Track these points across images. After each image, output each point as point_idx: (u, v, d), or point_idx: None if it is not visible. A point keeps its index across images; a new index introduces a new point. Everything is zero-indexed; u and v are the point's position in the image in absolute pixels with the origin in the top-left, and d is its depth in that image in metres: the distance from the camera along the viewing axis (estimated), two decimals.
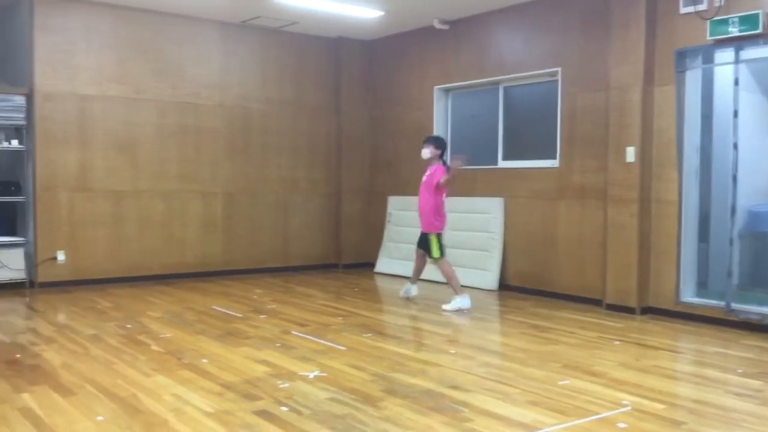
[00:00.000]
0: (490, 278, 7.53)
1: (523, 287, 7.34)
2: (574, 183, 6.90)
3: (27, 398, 3.73)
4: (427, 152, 6.55)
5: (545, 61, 7.18)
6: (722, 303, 5.78)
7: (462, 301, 6.40)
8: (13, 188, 7.39)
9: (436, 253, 6.49)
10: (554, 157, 7.14)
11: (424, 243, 6.61)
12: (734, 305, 5.70)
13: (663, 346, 5.10)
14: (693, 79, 6.04)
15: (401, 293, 6.97)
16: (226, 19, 8.25)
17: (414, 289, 6.99)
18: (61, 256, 7.41)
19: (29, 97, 7.28)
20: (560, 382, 4.07)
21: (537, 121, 7.57)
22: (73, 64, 7.44)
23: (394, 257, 8.76)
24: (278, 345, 4.96)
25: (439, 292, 7.43)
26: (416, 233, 8.71)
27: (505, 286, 7.49)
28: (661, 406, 3.67)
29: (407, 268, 8.45)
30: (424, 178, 6.58)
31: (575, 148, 6.91)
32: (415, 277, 7.02)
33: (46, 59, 7.28)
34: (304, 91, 9.04)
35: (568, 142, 6.97)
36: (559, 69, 7.04)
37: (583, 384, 4.05)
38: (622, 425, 3.38)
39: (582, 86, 6.84)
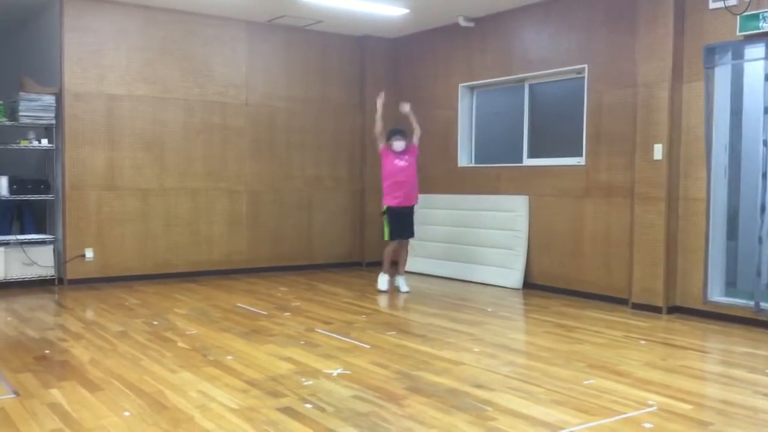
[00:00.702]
0: (514, 277, 7.49)
1: (548, 286, 7.29)
2: (600, 181, 6.84)
3: (55, 393, 3.79)
4: (401, 145, 7.07)
5: (571, 58, 7.12)
6: (751, 302, 5.68)
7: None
8: (42, 187, 7.52)
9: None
10: (580, 155, 7.08)
11: (411, 222, 7.24)
12: (763, 304, 5.60)
13: (690, 345, 5.04)
14: (722, 75, 5.94)
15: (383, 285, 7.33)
16: (252, 18, 8.30)
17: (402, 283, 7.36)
18: (89, 254, 7.52)
19: (59, 97, 7.39)
20: (585, 382, 4.04)
21: (563, 118, 7.51)
22: (102, 64, 7.54)
23: (419, 255, 8.74)
24: (302, 343, 4.98)
25: (461, 290, 7.42)
26: (443, 232, 8.75)
27: (529, 285, 7.45)
28: (688, 407, 3.63)
29: (431, 266, 8.46)
30: (403, 163, 7.10)
31: (602, 145, 6.84)
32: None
33: (75, 59, 7.39)
34: (329, 89, 9.07)
35: (595, 139, 6.91)
36: (585, 66, 6.97)
37: (608, 384, 4.01)
38: (648, 425, 3.34)
39: (609, 83, 6.77)
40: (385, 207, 7.13)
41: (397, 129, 7.12)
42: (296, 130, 8.82)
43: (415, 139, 7.19)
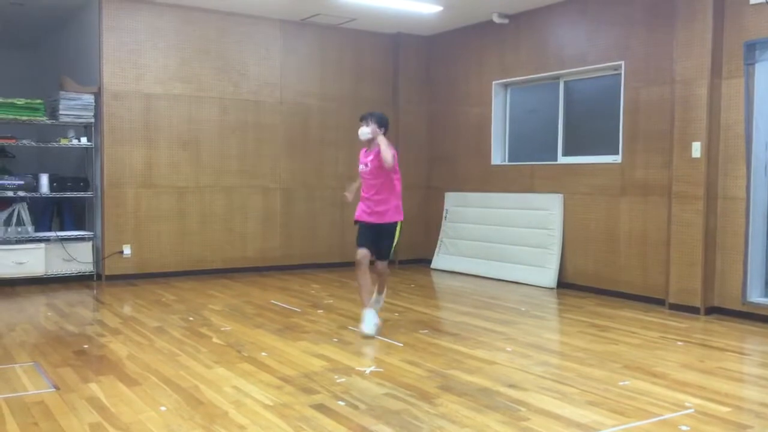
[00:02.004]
0: (548, 276, 7.43)
1: (583, 285, 7.21)
2: (636, 179, 6.74)
3: (94, 388, 3.87)
4: (367, 131, 5.16)
5: (608, 54, 7.02)
6: None
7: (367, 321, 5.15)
8: (81, 184, 7.67)
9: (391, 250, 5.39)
10: (616, 153, 6.98)
11: (387, 238, 5.26)
12: None
13: (728, 347, 4.94)
14: (763, 71, 5.80)
15: (370, 329, 5.14)
16: (286, 17, 8.35)
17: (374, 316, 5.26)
18: (127, 250, 7.65)
19: (98, 96, 7.54)
20: (620, 383, 3.99)
21: (598, 115, 7.41)
22: (140, 64, 7.66)
23: (451, 254, 8.73)
24: (335, 340, 5.01)
25: (494, 289, 7.37)
26: (476, 230, 8.71)
27: (564, 284, 7.37)
28: (725, 409, 3.56)
29: (464, 264, 8.43)
30: (363, 167, 5.26)
31: (638, 143, 6.74)
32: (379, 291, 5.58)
33: (114, 59, 7.52)
34: (362, 87, 9.08)
35: (631, 137, 6.81)
36: (622, 62, 6.87)
37: (644, 385, 3.96)
38: (684, 428, 3.29)
39: (646, 80, 6.66)
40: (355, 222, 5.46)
41: (366, 114, 5.33)
42: (330, 128, 8.86)
43: (384, 153, 5.02)
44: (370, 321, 5.14)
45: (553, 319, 6.13)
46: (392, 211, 5.25)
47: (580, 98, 7.66)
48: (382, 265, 5.42)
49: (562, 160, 7.65)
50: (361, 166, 5.29)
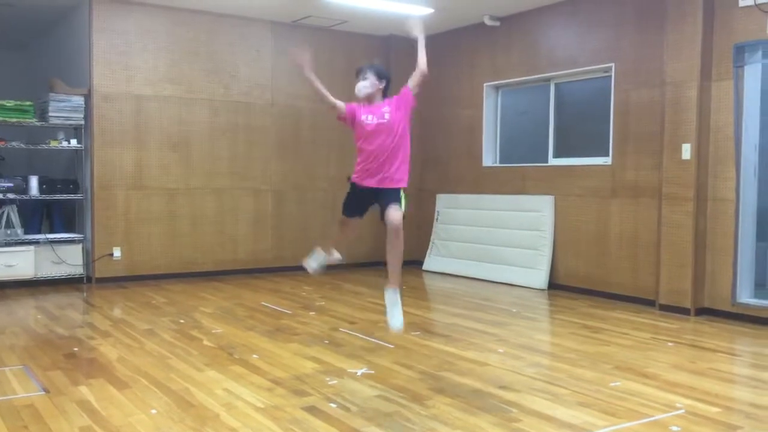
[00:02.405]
0: (540, 277, 7.45)
1: (574, 287, 7.23)
2: (627, 181, 6.77)
3: (84, 391, 3.84)
4: (366, 85, 4.40)
5: (598, 56, 7.05)
6: None
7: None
8: (71, 186, 7.63)
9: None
10: (607, 155, 7.01)
11: (391, 199, 4.25)
12: None
13: (719, 348, 4.96)
14: (752, 74, 5.84)
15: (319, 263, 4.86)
16: (278, 19, 8.34)
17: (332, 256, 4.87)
18: (117, 253, 7.62)
19: (87, 98, 7.50)
20: (612, 384, 4.00)
21: (589, 117, 7.44)
22: (130, 66, 7.63)
23: (443, 255, 8.74)
24: (327, 342, 5.00)
25: (485, 290, 7.38)
26: (467, 232, 8.72)
27: (555, 286, 7.39)
28: (716, 410, 3.58)
29: (455, 266, 8.44)
30: (373, 120, 4.34)
31: (629, 145, 6.77)
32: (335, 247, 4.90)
33: (104, 61, 7.49)
34: (354, 89, 9.04)
35: (622, 139, 6.84)
36: (612, 65, 6.90)
37: (635, 386, 3.97)
38: (675, 429, 3.30)
39: (636, 82, 6.69)
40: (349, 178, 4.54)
41: (362, 66, 4.52)
42: (321, 130, 8.85)
43: (413, 80, 4.49)
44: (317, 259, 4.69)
45: (545, 321, 6.14)
46: (401, 175, 4.37)
47: (570, 100, 7.68)
48: (396, 214, 4.16)
49: (553, 161, 7.68)
50: (371, 122, 4.28)
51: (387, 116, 4.30)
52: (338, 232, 4.81)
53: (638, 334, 5.35)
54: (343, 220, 4.62)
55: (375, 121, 4.31)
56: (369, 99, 4.41)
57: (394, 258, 4.20)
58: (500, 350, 4.79)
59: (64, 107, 7.40)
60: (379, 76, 4.45)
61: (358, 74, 4.48)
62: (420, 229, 9.26)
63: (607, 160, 7.00)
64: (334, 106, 4.43)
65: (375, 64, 4.57)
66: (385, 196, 4.25)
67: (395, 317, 4.01)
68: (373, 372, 4.21)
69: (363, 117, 4.34)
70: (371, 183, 4.29)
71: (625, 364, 4.44)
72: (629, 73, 6.75)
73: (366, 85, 4.40)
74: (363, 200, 4.41)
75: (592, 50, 7.12)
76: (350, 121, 4.40)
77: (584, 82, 7.43)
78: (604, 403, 3.66)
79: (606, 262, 6.95)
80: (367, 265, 9.12)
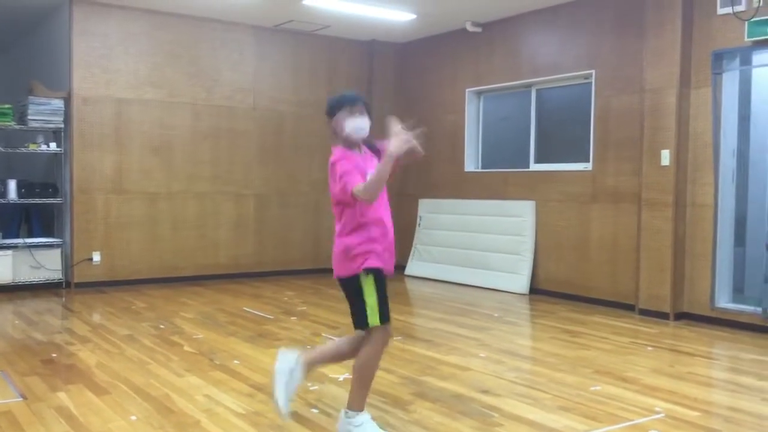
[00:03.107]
0: (521, 282, 7.48)
1: (555, 291, 7.27)
2: (607, 186, 6.82)
3: (63, 397, 3.80)
4: (366, 124, 3.32)
5: (579, 63, 7.12)
6: (759, 309, 5.66)
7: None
8: (50, 190, 7.55)
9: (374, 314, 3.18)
10: (587, 160, 7.07)
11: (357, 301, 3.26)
12: None
13: (697, 352, 5.01)
14: (730, 81, 5.93)
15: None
16: (260, 23, 8.32)
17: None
18: (96, 257, 7.54)
19: (67, 101, 7.43)
20: (592, 388, 4.03)
21: (569, 123, 7.50)
22: (111, 69, 7.57)
23: (425, 260, 8.75)
24: (309, 347, 4.98)
25: (467, 295, 7.40)
26: (449, 237, 8.75)
27: (536, 290, 7.43)
28: (695, 414, 3.61)
29: (437, 271, 8.45)
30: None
31: (609, 151, 6.83)
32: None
33: (84, 63, 7.43)
34: (336, 94, 9.05)
35: (602, 144, 6.90)
36: (593, 71, 6.97)
37: (615, 390, 4.00)
38: None
39: (616, 88, 6.76)
40: (370, 271, 3.20)
41: (352, 95, 3.40)
42: (303, 135, 8.84)
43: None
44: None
45: (526, 325, 6.17)
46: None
47: (551, 106, 7.74)
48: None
49: (534, 167, 7.72)
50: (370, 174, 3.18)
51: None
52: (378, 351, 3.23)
53: (618, 338, 5.39)
54: (387, 331, 3.25)
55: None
56: (353, 145, 3.34)
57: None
58: (482, 355, 4.80)
59: (44, 110, 7.32)
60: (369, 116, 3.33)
61: (353, 104, 3.30)
62: (402, 234, 9.25)
63: (587, 166, 7.06)
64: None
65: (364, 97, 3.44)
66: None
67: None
68: None
69: (368, 173, 3.22)
70: (390, 265, 3.32)
71: (605, 368, 4.47)
72: (609, 79, 6.82)
73: (366, 124, 3.31)
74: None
75: (572, 57, 7.18)
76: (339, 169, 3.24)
77: (565, 88, 7.49)
78: (584, 407, 3.68)
79: (586, 267, 7.00)
80: None
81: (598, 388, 4.04)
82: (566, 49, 7.25)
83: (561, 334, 5.51)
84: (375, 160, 3.30)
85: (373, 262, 3.18)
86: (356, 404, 3.15)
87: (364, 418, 3.15)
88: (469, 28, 8.07)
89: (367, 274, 3.17)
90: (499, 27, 7.95)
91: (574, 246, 7.12)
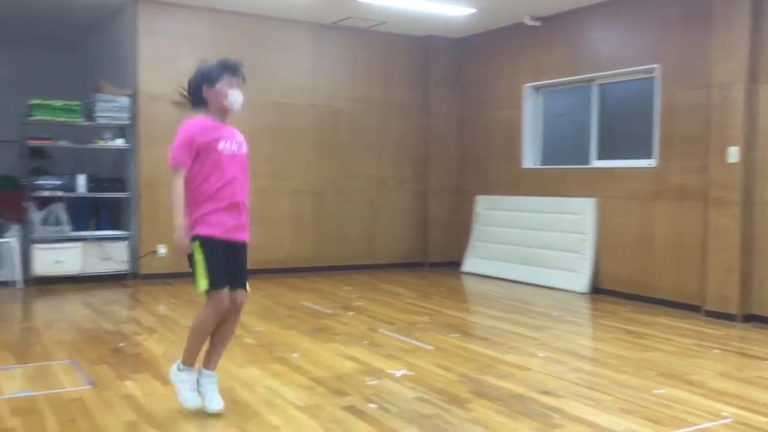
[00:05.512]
0: (581, 281, 7.35)
1: (617, 291, 7.12)
2: (672, 184, 6.65)
3: (130, 385, 3.93)
4: (239, 98, 3.54)
5: (642, 57, 6.94)
6: None
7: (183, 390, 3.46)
8: (118, 185, 7.80)
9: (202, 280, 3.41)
10: (651, 157, 6.90)
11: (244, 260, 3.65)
12: None
13: (767, 356, 4.84)
14: None
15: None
16: (318, 20, 8.39)
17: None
18: (161, 250, 7.75)
19: (133, 98, 7.65)
20: (656, 391, 3.94)
21: (632, 119, 7.33)
22: (175, 67, 7.73)
23: (482, 257, 8.69)
24: (366, 342, 5.02)
25: (525, 293, 7.32)
26: (507, 234, 8.67)
27: (597, 290, 7.29)
28: (764, 419, 3.49)
29: (494, 268, 8.39)
30: (231, 147, 3.52)
31: (674, 147, 6.64)
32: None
33: (149, 62, 7.63)
34: (392, 90, 9.10)
35: (666, 141, 6.72)
36: (657, 65, 6.79)
37: (680, 393, 3.90)
38: None
39: (681, 83, 6.57)
40: (197, 238, 3.42)
41: (235, 63, 3.65)
42: (360, 131, 8.89)
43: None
44: (186, 387, 3.47)
45: (587, 325, 6.07)
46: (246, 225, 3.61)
47: (613, 101, 7.58)
48: (244, 294, 3.60)
49: (596, 163, 7.58)
50: (225, 145, 3.45)
51: (243, 147, 3.59)
52: (211, 327, 3.47)
53: (683, 340, 5.25)
54: (221, 308, 3.44)
55: (238, 152, 3.53)
56: (221, 117, 3.52)
57: (226, 341, 3.62)
58: (541, 354, 4.75)
59: (111, 107, 7.56)
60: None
61: (234, 73, 3.55)
62: (459, 231, 9.23)
63: (651, 163, 6.88)
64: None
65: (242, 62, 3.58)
66: (243, 254, 3.56)
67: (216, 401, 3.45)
68: (412, 373, 4.21)
69: (222, 144, 3.43)
70: (240, 236, 3.58)
71: (670, 371, 4.36)
72: (674, 74, 6.63)
73: (237, 99, 3.50)
74: (232, 258, 3.52)
75: (636, 51, 7.01)
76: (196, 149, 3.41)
77: (628, 83, 7.32)
78: (647, 410, 3.61)
79: (650, 266, 6.83)
80: (404, 266, 9.12)
81: (662, 391, 3.95)
82: (629, 43, 7.08)
83: (623, 335, 5.40)
84: (237, 132, 3.58)
85: (203, 230, 3.40)
86: (187, 360, 3.47)
87: (188, 376, 3.47)
88: (528, 22, 7.96)
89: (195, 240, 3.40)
90: (559, 20, 7.82)
91: (637, 244, 6.96)
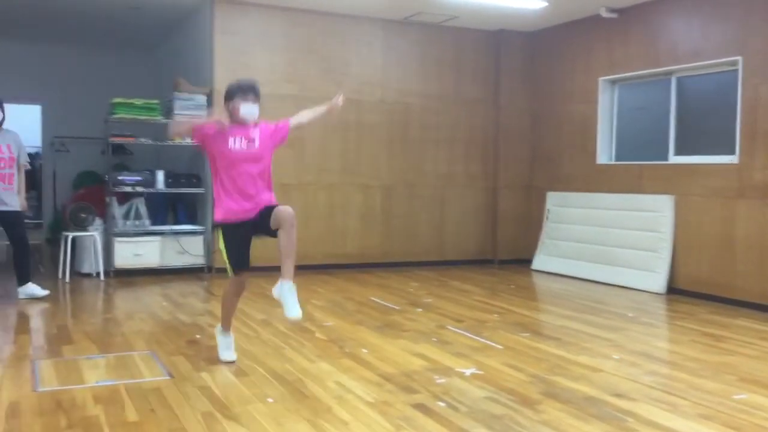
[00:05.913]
0: (657, 280, 7.13)
1: (696, 292, 6.88)
2: (756, 181, 6.36)
3: (206, 377, 4.04)
4: (255, 110, 4.27)
5: (724, 49, 6.67)
6: None
7: None
8: (194, 180, 8.03)
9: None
10: (733, 153, 6.62)
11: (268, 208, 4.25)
12: None
13: None
14: None
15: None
16: (389, 16, 8.42)
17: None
18: None
19: (210, 96, 7.86)
20: (736, 396, 3.79)
21: (712, 113, 7.05)
22: (249, 65, 7.92)
23: (553, 255, 8.54)
24: (434, 339, 5.01)
25: (598, 292, 7.15)
26: (579, 231, 8.47)
27: (674, 290, 7.06)
28: None
29: (565, 266, 8.23)
30: (247, 145, 4.19)
31: (758, 143, 6.36)
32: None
33: (225, 60, 7.83)
34: (463, 85, 9.03)
35: (749, 136, 6.43)
36: (739, 58, 6.50)
37: (762, 400, 3.74)
38: None
39: (765, 76, 6.27)
40: (216, 225, 4.40)
41: (248, 83, 4.30)
42: (430, 127, 8.87)
43: (298, 121, 4.62)
44: (226, 344, 4.43)
45: (663, 327, 5.89)
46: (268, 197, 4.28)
47: (693, 95, 7.31)
48: (281, 209, 4.19)
49: (674, 159, 7.33)
50: (243, 147, 4.13)
51: (259, 143, 4.26)
52: (232, 300, 4.47)
53: (765, 344, 5.03)
54: (236, 288, 4.47)
55: (252, 147, 4.23)
56: (242, 123, 4.24)
57: (293, 251, 4.37)
58: (615, 356, 4.64)
59: (188, 105, 7.78)
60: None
61: (246, 93, 4.22)
62: (529, 228, 9.10)
63: (733, 159, 6.61)
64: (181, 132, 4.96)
65: (257, 84, 4.38)
66: (263, 213, 4.23)
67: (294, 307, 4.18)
68: (481, 372, 4.19)
69: (233, 141, 4.17)
70: (250, 215, 4.25)
71: (751, 376, 4.19)
72: (758, 67, 6.34)
73: (256, 109, 4.31)
74: (245, 240, 4.38)
75: (717, 43, 6.74)
76: (206, 140, 4.17)
77: (708, 76, 7.05)
78: (727, 417, 3.47)
79: (731, 266, 6.57)
80: (473, 263, 9.06)
81: (743, 396, 3.80)
82: (710, 35, 6.81)
83: (702, 338, 5.21)
84: (260, 132, 4.28)
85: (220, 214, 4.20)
86: (223, 325, 4.43)
87: (223, 339, 4.43)
88: (604, 14, 7.76)
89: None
90: (636, 12, 7.59)
91: (718, 244, 6.70)
